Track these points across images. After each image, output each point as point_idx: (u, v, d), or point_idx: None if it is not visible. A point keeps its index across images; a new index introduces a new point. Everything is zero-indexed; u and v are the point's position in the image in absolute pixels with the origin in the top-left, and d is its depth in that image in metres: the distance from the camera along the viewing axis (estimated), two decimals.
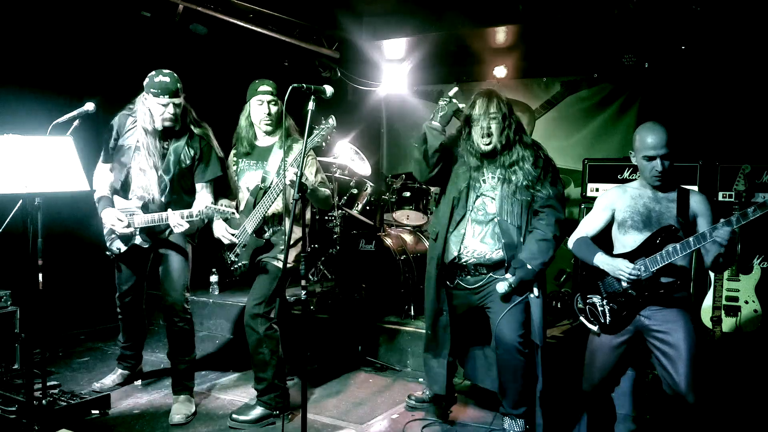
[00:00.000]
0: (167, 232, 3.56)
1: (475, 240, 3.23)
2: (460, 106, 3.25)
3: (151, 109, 3.38)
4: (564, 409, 3.75)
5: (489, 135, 3.16)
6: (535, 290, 3.17)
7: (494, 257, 3.21)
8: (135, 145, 3.47)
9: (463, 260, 3.26)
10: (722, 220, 2.50)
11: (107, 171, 3.59)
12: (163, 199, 3.50)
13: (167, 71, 3.37)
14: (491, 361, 3.43)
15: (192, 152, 3.50)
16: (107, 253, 3.67)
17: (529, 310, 3.19)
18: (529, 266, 3.08)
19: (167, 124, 3.39)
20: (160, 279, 3.63)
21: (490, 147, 3.18)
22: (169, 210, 3.38)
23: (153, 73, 3.36)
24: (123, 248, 3.58)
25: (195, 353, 3.70)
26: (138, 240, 3.53)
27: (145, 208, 3.49)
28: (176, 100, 3.35)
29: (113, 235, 3.59)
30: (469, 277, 3.29)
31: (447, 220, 3.28)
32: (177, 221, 3.33)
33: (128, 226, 3.47)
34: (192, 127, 3.52)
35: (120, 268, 3.79)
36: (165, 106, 3.34)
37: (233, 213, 3.31)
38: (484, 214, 3.22)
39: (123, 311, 3.91)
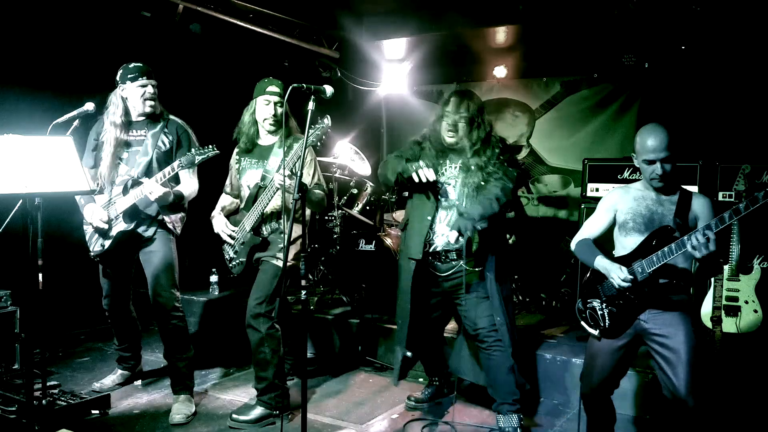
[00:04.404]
0: (150, 232, 3.58)
1: (442, 225, 3.35)
2: (415, 177, 3.26)
3: (130, 96, 3.52)
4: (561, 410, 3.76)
5: (454, 130, 3.34)
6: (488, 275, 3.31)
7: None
8: (107, 139, 3.55)
9: (433, 246, 3.36)
10: (703, 225, 2.49)
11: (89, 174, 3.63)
12: (143, 180, 3.52)
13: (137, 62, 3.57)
14: (472, 353, 3.51)
15: (170, 138, 3.61)
16: (90, 254, 3.69)
17: (499, 299, 3.31)
18: (465, 214, 3.17)
19: (150, 104, 3.54)
20: (147, 281, 3.63)
21: (453, 140, 3.36)
22: (145, 178, 3.44)
23: (124, 65, 3.55)
24: (107, 244, 3.58)
25: (192, 351, 3.69)
26: (121, 226, 3.53)
27: (125, 191, 3.53)
28: (153, 81, 3.55)
29: (95, 235, 3.63)
30: (440, 264, 3.39)
31: (416, 210, 3.45)
32: (151, 187, 3.36)
33: (107, 221, 3.53)
34: (166, 115, 3.65)
35: (104, 271, 3.79)
36: (144, 86, 3.51)
37: (214, 150, 3.35)
38: (447, 200, 3.36)
39: (110, 315, 3.90)
